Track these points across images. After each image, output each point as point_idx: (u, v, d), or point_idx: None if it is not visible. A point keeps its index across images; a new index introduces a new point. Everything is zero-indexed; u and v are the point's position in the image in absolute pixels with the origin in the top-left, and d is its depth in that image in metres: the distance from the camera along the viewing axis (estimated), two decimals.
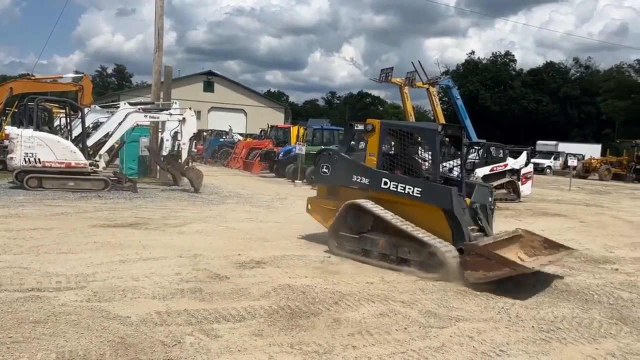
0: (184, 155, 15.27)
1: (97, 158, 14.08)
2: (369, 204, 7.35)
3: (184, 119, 15.11)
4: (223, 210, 11.93)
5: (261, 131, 35.83)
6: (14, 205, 10.72)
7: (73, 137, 15.12)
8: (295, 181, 19.92)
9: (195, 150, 20.64)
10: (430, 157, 7.54)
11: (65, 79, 21.61)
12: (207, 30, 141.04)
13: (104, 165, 14.44)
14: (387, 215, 7.18)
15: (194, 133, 15.66)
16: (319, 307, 5.42)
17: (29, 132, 13.35)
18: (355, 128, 8.31)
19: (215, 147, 31.50)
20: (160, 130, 17.72)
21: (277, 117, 52.91)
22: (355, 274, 6.79)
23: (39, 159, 13.17)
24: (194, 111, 16.01)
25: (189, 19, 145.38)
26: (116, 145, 15.56)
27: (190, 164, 15.86)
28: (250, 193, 15.88)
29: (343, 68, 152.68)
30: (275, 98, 77.34)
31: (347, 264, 7.26)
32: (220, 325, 4.77)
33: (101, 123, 16.63)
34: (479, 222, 7.36)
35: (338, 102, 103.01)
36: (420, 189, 7.07)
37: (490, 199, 7.65)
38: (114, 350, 4.08)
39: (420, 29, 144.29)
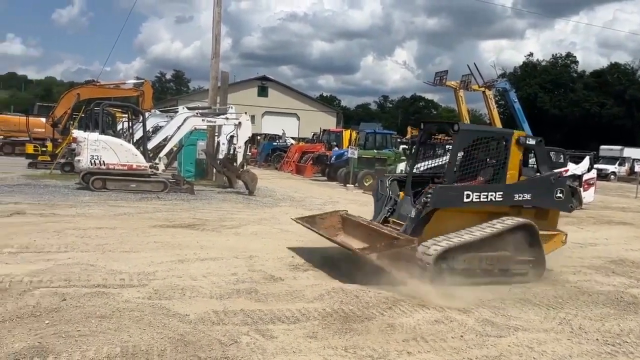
0: (240, 159, 15.60)
1: (157, 161, 14.60)
2: None
3: (239, 123, 15.46)
4: (277, 213, 12.08)
5: (313, 135, 36.12)
6: (80, 205, 11.28)
7: (134, 141, 15.75)
8: (347, 185, 19.94)
9: (250, 153, 21.07)
10: None
11: (127, 84, 22.61)
12: (261, 36, 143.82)
13: (163, 168, 14.95)
14: None
15: (248, 137, 15.98)
16: (372, 311, 5.40)
17: (94, 135, 14.01)
18: None
19: (268, 151, 31.97)
20: (216, 134, 18.19)
21: (329, 121, 53.13)
22: None
23: (103, 162, 13.80)
24: (249, 115, 16.34)
25: (244, 25, 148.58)
26: (175, 149, 16.08)
27: (245, 167, 16.19)
28: (302, 196, 16.01)
29: (396, 71, 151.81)
30: (327, 102, 77.73)
31: None
32: (276, 326, 4.84)
33: (161, 127, 17.24)
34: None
35: (390, 105, 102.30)
36: None
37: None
38: (174, 347, 4.21)
39: (475, 31, 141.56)
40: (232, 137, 16.28)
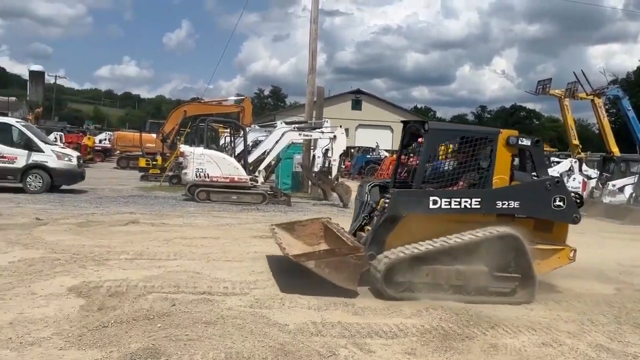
0: (334, 171, 15.81)
1: (256, 174, 15.17)
2: None
3: (334, 136, 15.68)
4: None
5: None
6: (187, 216, 11.98)
7: (235, 154, 16.48)
8: None
9: (343, 166, 21.24)
10: None
11: (229, 101, 23.75)
12: (355, 50, 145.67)
13: (262, 180, 15.50)
14: None
15: (343, 150, 16.15)
16: (473, 330, 5.20)
17: (200, 150, 14.87)
18: None
19: (362, 164, 32.09)
20: (312, 147, 18.56)
21: None
22: None
23: (207, 174, 14.58)
24: (343, 129, 16.52)
25: (338, 41, 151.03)
26: (273, 162, 16.60)
27: (339, 179, 16.36)
28: None
29: (494, 81, 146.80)
30: (421, 114, 76.63)
31: None
32: (373, 340, 4.81)
33: (260, 141, 17.91)
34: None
35: (489, 116, 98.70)
36: None
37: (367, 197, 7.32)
38: (274, 356, 4.32)
39: (581, 36, 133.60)
40: (327, 150, 16.55)
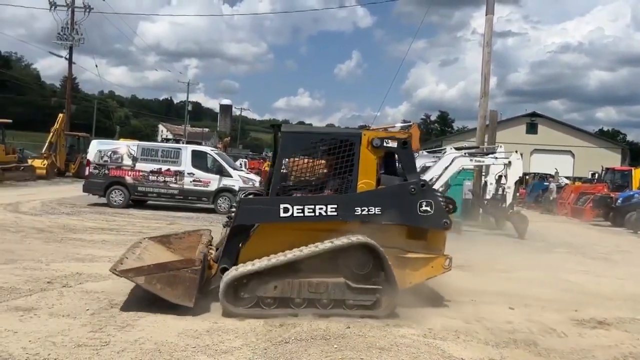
0: (509, 200, 14.95)
1: None
2: None
3: (509, 162, 14.88)
4: (552, 260, 11.13)
5: (593, 174, 32.50)
6: None
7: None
8: (639, 232, 17.27)
9: (518, 194, 19.98)
10: None
11: (396, 128, 23.99)
12: (529, 71, 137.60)
13: None
14: None
15: (519, 177, 15.24)
16: None
17: None
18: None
19: (539, 192, 29.85)
20: (483, 174, 17.82)
21: (611, 159, 46.94)
22: None
23: None
24: (519, 154, 15.59)
25: (510, 62, 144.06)
26: (442, 189, 16.26)
27: (514, 208, 15.42)
28: (581, 242, 14.42)
29: None
30: (608, 137, 69.11)
31: None
32: None
33: (428, 167, 17.69)
34: None
35: None
36: None
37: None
38: None
39: None
40: (500, 176, 15.75)
